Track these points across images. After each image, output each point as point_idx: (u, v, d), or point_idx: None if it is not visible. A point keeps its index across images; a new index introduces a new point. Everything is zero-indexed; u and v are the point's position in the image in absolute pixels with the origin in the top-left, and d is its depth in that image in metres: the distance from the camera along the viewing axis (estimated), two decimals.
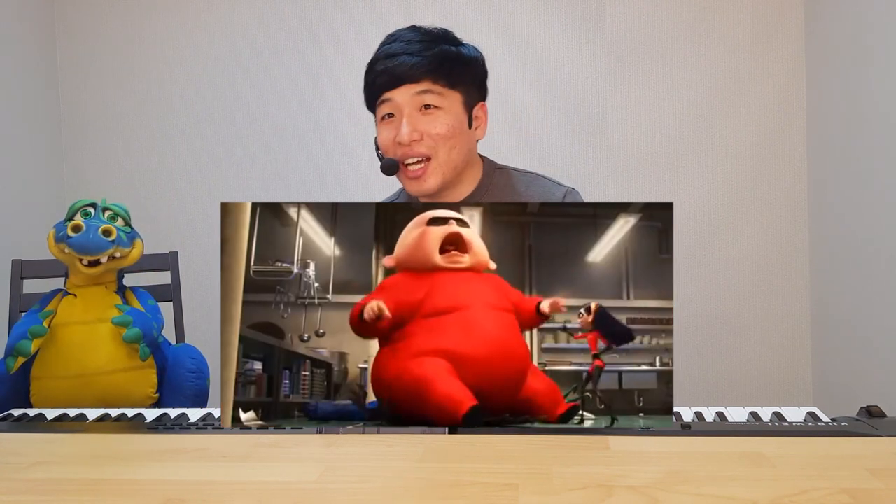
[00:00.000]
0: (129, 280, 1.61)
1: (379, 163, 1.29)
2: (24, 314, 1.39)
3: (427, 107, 1.22)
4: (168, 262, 1.90)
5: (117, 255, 1.35)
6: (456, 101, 1.24)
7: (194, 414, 1.10)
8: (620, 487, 0.68)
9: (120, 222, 1.38)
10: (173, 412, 1.12)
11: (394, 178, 1.32)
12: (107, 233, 1.33)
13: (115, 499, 0.69)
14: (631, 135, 2.44)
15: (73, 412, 1.14)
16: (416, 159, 1.24)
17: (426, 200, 1.31)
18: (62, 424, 1.08)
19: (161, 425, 1.03)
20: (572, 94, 2.44)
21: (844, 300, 2.15)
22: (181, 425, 1.02)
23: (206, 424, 1.02)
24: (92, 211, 1.36)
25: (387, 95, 1.22)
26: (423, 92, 1.21)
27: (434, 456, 0.81)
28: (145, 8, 2.63)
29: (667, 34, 2.43)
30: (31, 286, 1.78)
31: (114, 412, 1.13)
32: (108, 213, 1.38)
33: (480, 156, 1.36)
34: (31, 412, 1.15)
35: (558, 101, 2.43)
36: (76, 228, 1.31)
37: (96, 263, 1.34)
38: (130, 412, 1.13)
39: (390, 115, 1.23)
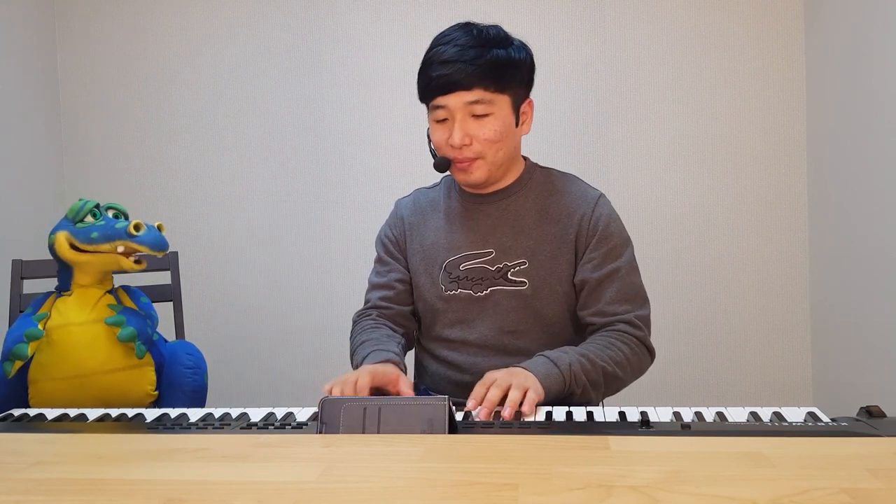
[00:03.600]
0: (130, 280, 1.61)
1: (429, 150, 1.38)
2: (18, 317, 1.39)
3: (477, 114, 1.28)
4: (168, 261, 1.90)
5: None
6: (505, 104, 1.29)
7: (194, 414, 1.10)
8: (620, 487, 0.68)
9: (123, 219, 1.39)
10: (173, 412, 1.12)
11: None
12: (160, 229, 1.36)
13: (115, 499, 0.69)
14: (630, 135, 2.44)
15: (73, 412, 1.14)
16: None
17: (472, 191, 1.38)
18: (62, 424, 1.08)
19: (161, 425, 1.03)
20: (572, 95, 2.44)
21: (844, 300, 2.15)
22: (181, 425, 1.02)
23: (206, 424, 1.02)
24: (98, 212, 1.37)
25: (440, 101, 1.28)
26: (474, 102, 1.26)
27: (434, 456, 0.81)
28: (145, 8, 2.63)
29: (666, 34, 2.43)
30: (31, 286, 1.78)
31: (114, 412, 1.13)
32: (111, 211, 1.38)
33: (523, 157, 1.42)
34: (32, 412, 1.15)
35: (558, 102, 2.43)
36: (138, 227, 1.32)
37: (142, 261, 1.36)
38: (130, 412, 1.13)
39: (444, 119, 1.30)
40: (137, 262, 1.35)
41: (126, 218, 1.40)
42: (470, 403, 1.10)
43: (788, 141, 2.39)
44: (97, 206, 1.37)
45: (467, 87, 1.25)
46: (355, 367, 1.32)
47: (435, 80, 1.27)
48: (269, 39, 2.58)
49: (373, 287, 1.46)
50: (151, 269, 1.91)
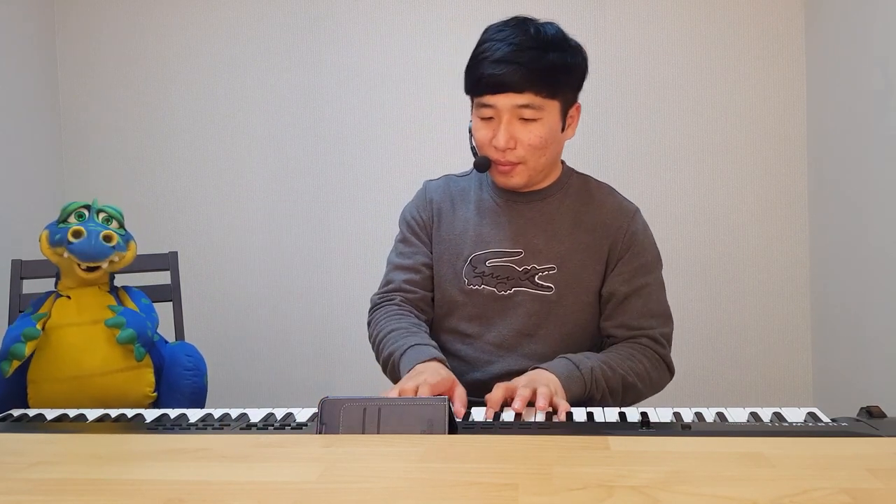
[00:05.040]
0: (130, 280, 1.61)
1: (469, 147, 1.35)
2: (18, 317, 1.39)
3: (525, 118, 1.24)
4: (168, 261, 1.90)
5: (116, 259, 1.35)
6: (554, 109, 1.25)
7: (194, 414, 1.10)
8: (620, 487, 0.68)
9: (114, 224, 1.37)
10: (173, 412, 1.12)
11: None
12: (108, 238, 1.32)
13: (115, 499, 0.69)
14: (630, 134, 2.44)
15: (72, 412, 1.14)
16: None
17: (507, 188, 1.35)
18: (62, 424, 1.08)
19: (161, 425, 1.03)
20: None
21: (844, 300, 2.15)
22: (181, 425, 1.02)
23: (206, 424, 1.02)
24: (86, 213, 1.35)
25: (488, 100, 1.24)
26: (524, 106, 1.22)
27: (434, 456, 0.81)
28: (145, 8, 2.63)
29: (666, 34, 2.43)
30: (30, 286, 1.78)
31: (113, 412, 1.13)
32: (102, 214, 1.37)
33: (561, 160, 1.39)
34: (31, 412, 1.15)
35: None
36: (77, 234, 1.30)
37: (95, 269, 1.34)
38: (130, 412, 1.13)
39: (490, 118, 1.26)
40: (87, 270, 1.33)
41: (120, 223, 1.39)
42: (490, 410, 1.07)
43: (789, 141, 2.39)
44: (87, 206, 1.36)
45: (519, 91, 1.21)
46: (386, 357, 1.28)
47: (486, 79, 1.22)
48: (268, 39, 2.58)
49: (396, 268, 1.40)
50: (151, 269, 1.91)
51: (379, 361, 1.33)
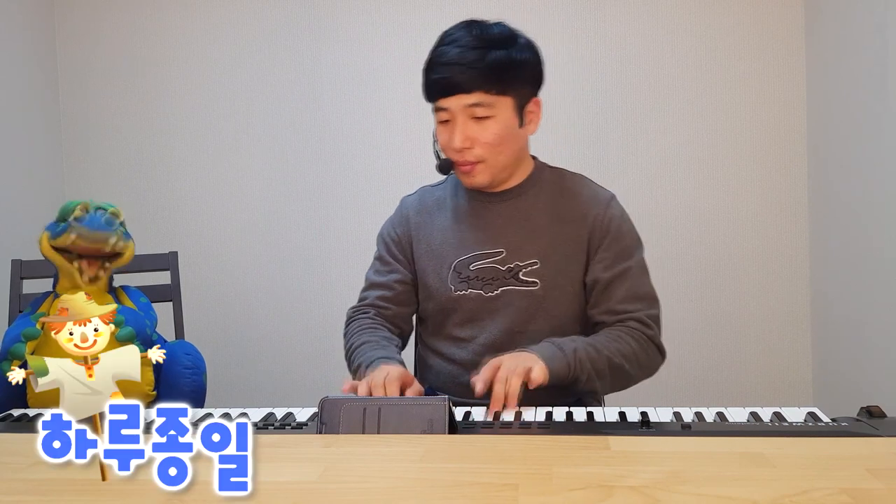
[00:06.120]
0: (129, 280, 1.61)
1: (433, 151, 1.39)
2: (17, 317, 1.39)
3: (478, 116, 1.27)
4: (168, 261, 1.90)
5: (119, 244, 1.34)
6: (506, 106, 1.28)
7: (194, 414, 1.10)
8: (620, 487, 0.68)
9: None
10: None
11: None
12: (114, 216, 1.33)
13: (115, 499, 0.69)
14: (630, 134, 2.44)
15: None
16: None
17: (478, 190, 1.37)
18: None
19: None
20: (571, 94, 2.44)
21: (844, 300, 2.15)
22: None
23: None
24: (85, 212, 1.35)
25: (442, 103, 1.28)
26: (475, 105, 1.25)
27: (434, 456, 0.81)
28: (145, 8, 2.63)
29: (666, 34, 2.42)
30: (30, 286, 1.78)
31: None
32: (100, 212, 1.37)
33: (532, 156, 1.40)
34: (31, 412, 1.15)
35: (557, 101, 2.42)
36: (84, 209, 1.29)
37: (96, 280, 1.33)
38: None
39: (447, 120, 1.29)
40: (91, 280, 1.32)
41: (118, 219, 1.39)
42: (479, 386, 1.10)
43: (789, 141, 2.39)
44: (86, 207, 1.35)
45: (467, 91, 1.24)
46: (355, 368, 1.30)
47: (436, 82, 1.26)
48: (269, 39, 2.58)
49: (371, 285, 1.44)
50: (151, 269, 1.91)
51: (350, 371, 1.35)
